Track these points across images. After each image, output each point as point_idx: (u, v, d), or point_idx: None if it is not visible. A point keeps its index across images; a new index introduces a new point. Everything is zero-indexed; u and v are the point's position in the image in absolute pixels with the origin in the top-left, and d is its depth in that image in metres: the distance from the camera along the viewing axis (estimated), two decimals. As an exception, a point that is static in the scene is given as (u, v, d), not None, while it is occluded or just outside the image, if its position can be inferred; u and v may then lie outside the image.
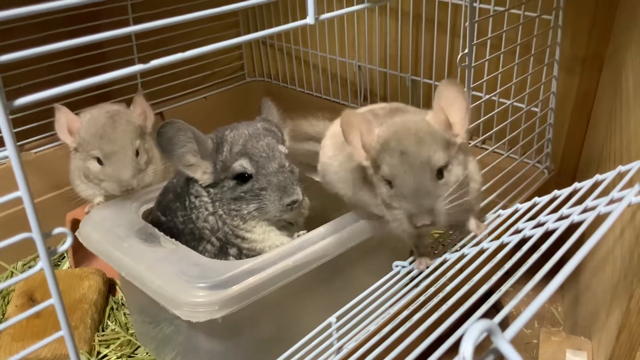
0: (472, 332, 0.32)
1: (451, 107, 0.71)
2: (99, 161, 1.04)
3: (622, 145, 0.87)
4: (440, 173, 0.70)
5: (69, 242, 0.41)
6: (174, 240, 0.88)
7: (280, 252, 0.84)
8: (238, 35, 1.68)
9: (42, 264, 0.41)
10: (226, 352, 0.86)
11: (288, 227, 0.95)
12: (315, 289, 0.93)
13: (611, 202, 0.60)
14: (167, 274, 0.79)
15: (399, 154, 0.70)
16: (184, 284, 0.77)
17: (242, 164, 0.88)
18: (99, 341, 1.06)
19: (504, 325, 0.35)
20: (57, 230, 0.40)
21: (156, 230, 0.90)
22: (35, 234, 0.39)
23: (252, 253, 0.91)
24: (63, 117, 1.03)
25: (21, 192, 0.38)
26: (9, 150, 0.38)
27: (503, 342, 0.33)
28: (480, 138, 1.06)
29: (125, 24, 1.36)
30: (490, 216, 0.87)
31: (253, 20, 1.68)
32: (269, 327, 0.90)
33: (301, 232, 0.92)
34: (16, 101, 0.37)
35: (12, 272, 1.27)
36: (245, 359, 0.88)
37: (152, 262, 0.82)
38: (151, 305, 0.91)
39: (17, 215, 1.21)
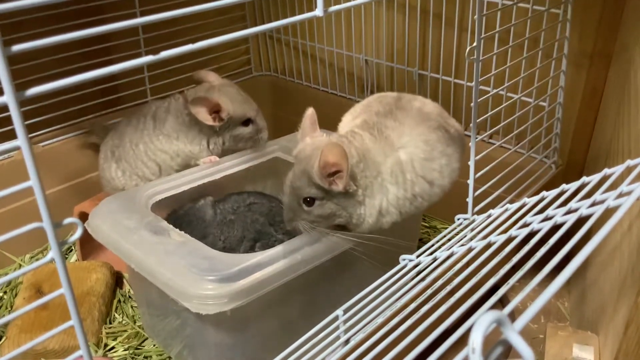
0: (482, 322, 0.32)
1: (334, 167, 0.80)
2: (246, 123, 1.15)
3: (631, 140, 0.86)
4: (309, 201, 0.83)
5: (79, 231, 0.42)
6: (183, 232, 0.88)
7: (290, 246, 0.84)
8: (245, 28, 1.67)
9: (52, 254, 0.41)
10: (234, 345, 0.87)
11: None
12: (324, 282, 0.93)
13: (620, 195, 0.59)
14: (177, 267, 0.79)
15: (289, 173, 0.87)
16: (194, 276, 0.77)
17: None
18: (107, 333, 1.07)
19: (510, 319, 0.35)
20: (68, 220, 0.40)
21: (165, 222, 0.91)
22: (46, 223, 0.39)
23: None
24: (205, 105, 1.09)
25: (32, 182, 0.38)
26: (20, 140, 0.38)
27: (512, 333, 0.33)
28: (488, 132, 1.06)
29: (133, 17, 1.36)
30: (497, 210, 0.87)
31: (260, 14, 1.68)
32: (277, 320, 0.90)
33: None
34: (27, 91, 0.37)
35: (20, 265, 1.28)
36: (253, 352, 0.89)
37: (162, 255, 0.82)
38: (159, 298, 0.91)
39: (25, 208, 1.22)
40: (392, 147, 0.87)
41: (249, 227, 1.01)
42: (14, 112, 0.37)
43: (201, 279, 0.77)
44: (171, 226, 0.90)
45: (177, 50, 0.44)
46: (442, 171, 0.89)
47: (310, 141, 0.88)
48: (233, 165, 1.11)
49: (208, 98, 1.09)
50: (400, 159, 0.86)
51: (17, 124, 0.38)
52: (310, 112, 0.90)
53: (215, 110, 1.11)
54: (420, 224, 1.28)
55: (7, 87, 0.36)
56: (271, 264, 0.81)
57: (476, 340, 0.32)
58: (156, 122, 1.16)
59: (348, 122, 0.95)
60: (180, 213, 1.04)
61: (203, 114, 1.09)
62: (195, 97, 1.09)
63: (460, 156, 0.94)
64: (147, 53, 1.52)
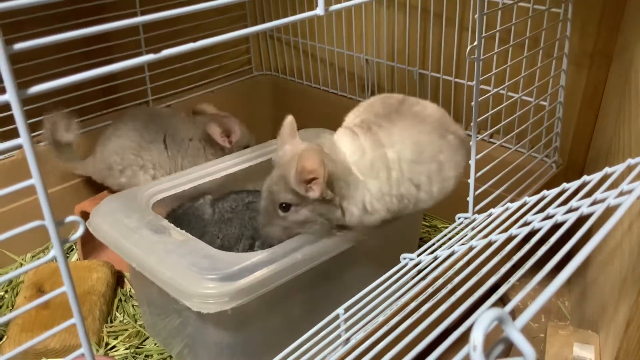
0: (483, 320, 0.32)
1: (311, 174, 0.80)
2: (246, 148, 1.26)
3: (631, 139, 0.86)
4: (284, 207, 0.84)
5: (81, 230, 0.42)
6: (184, 231, 0.88)
7: (290, 245, 0.84)
8: (245, 27, 1.67)
9: (54, 252, 0.41)
10: (235, 344, 0.87)
11: None
12: (325, 281, 0.93)
13: (620, 194, 0.59)
14: (178, 266, 0.79)
15: (268, 178, 0.88)
16: (195, 275, 0.77)
17: None
18: (108, 332, 1.07)
19: (511, 317, 0.35)
20: (70, 218, 0.40)
21: (166, 221, 0.91)
22: (48, 221, 0.39)
23: None
24: (221, 127, 1.28)
25: (34, 180, 0.38)
26: (23, 138, 0.38)
27: (514, 331, 0.33)
28: (488, 132, 1.06)
29: (133, 16, 1.36)
30: (498, 209, 0.87)
31: (260, 13, 1.68)
32: (278, 319, 0.90)
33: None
34: (29, 89, 0.37)
35: (22, 264, 1.28)
36: (254, 351, 0.89)
37: (162, 254, 0.82)
38: (160, 297, 0.91)
39: (26, 207, 1.22)
40: (378, 144, 0.86)
41: (247, 225, 1.01)
42: (16, 110, 0.37)
43: (202, 277, 0.77)
44: (172, 225, 0.90)
45: (178, 49, 0.44)
46: (430, 177, 0.87)
47: (289, 148, 0.88)
48: (234, 164, 1.12)
49: (225, 122, 1.28)
50: (387, 155, 0.85)
51: (19, 122, 0.38)
52: (289, 119, 0.90)
53: (227, 134, 1.29)
54: (421, 223, 1.28)
55: (9, 85, 0.36)
56: (272, 262, 0.81)
57: (477, 337, 0.32)
58: (180, 150, 1.30)
59: (350, 121, 0.96)
60: (179, 212, 1.04)
61: (217, 135, 1.27)
62: (214, 119, 1.28)
63: (458, 165, 0.91)
64: (147, 52, 1.53)
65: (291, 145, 0.88)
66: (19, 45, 0.36)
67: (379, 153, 0.85)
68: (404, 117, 0.90)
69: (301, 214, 0.84)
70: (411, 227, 1.12)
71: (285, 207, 0.84)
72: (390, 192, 0.85)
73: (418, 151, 0.87)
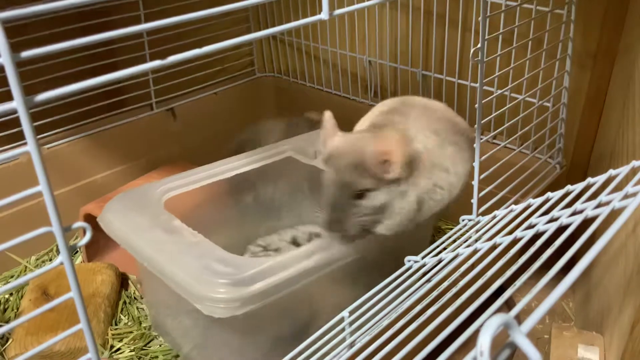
0: (490, 325, 0.32)
1: (388, 154, 0.81)
2: None
3: (635, 140, 0.86)
4: (360, 195, 0.82)
5: (87, 236, 0.42)
6: (196, 232, 0.88)
7: (303, 251, 0.84)
8: (248, 29, 1.68)
9: (62, 258, 0.41)
10: (244, 347, 0.87)
11: None
12: (337, 287, 0.93)
13: (625, 197, 0.59)
14: (190, 267, 0.79)
15: (326, 174, 0.84)
16: (207, 278, 0.77)
17: None
18: (112, 335, 1.07)
19: (516, 319, 0.35)
20: (77, 224, 0.41)
21: (179, 221, 0.90)
22: (55, 228, 0.40)
23: None
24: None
25: (42, 187, 0.38)
26: (30, 145, 0.38)
27: (520, 336, 0.33)
28: (492, 133, 1.06)
29: (137, 19, 1.36)
30: (502, 211, 0.87)
31: (263, 14, 1.68)
32: (288, 324, 0.90)
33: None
34: (37, 97, 0.37)
35: (26, 267, 1.28)
36: (262, 354, 0.88)
37: (175, 255, 0.82)
38: (170, 297, 0.91)
39: (31, 210, 1.22)
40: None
41: None
42: (24, 118, 0.37)
43: (214, 281, 0.76)
44: (184, 225, 0.89)
45: (184, 55, 0.44)
46: (453, 157, 0.91)
47: (342, 139, 0.87)
48: (246, 163, 1.10)
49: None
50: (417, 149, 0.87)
51: (27, 130, 0.38)
52: (329, 114, 0.90)
53: None
54: (432, 227, 1.27)
55: (16, 93, 0.37)
56: (285, 268, 0.80)
57: (484, 343, 0.32)
58: None
59: (361, 125, 0.96)
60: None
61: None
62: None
63: (469, 145, 0.95)
64: (151, 54, 1.53)
65: (341, 137, 0.88)
66: (26, 53, 0.37)
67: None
68: (414, 110, 0.93)
69: (378, 199, 0.83)
70: (422, 230, 1.12)
71: (361, 195, 0.83)
72: (427, 185, 0.88)
73: (440, 138, 0.90)
